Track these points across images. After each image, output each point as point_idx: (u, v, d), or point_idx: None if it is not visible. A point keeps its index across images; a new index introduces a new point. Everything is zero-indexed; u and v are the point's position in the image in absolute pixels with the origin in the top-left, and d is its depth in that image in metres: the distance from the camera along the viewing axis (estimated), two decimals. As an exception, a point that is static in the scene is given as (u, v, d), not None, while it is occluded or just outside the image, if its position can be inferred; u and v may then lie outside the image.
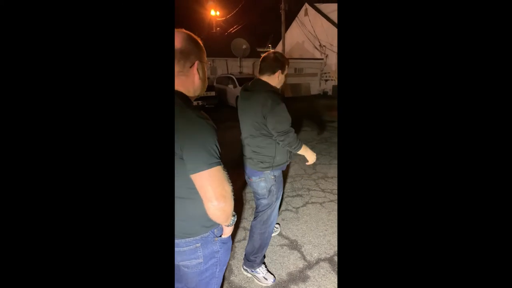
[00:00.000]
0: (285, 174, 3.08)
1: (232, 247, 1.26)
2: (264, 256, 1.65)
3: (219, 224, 0.84)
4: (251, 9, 17.74)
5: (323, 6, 14.16)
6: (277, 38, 14.42)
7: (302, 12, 14.90)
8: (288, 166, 2.55)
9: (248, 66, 11.99)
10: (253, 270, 1.54)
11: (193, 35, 0.77)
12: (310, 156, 1.46)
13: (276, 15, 11.24)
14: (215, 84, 9.33)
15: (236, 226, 2.06)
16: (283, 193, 1.73)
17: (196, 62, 0.76)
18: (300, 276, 1.57)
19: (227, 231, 0.87)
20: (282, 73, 1.39)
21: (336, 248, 1.81)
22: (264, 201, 1.47)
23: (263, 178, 1.42)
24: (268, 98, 1.28)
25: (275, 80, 1.39)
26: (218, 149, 0.71)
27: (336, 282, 1.51)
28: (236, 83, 8.19)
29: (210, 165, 0.68)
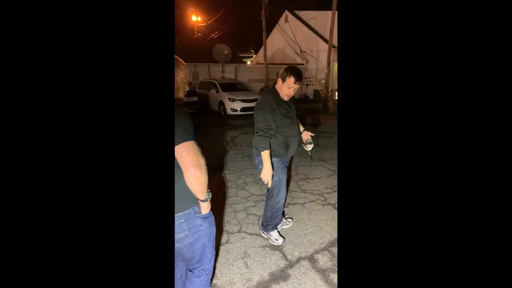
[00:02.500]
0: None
1: (216, 251, 1.30)
2: (277, 224, 1.99)
3: (198, 202, 1.00)
4: (232, 15, 17.89)
5: (302, 13, 14.59)
6: (259, 43, 14.65)
7: (282, 18, 15.25)
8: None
9: (230, 71, 12.05)
10: (267, 232, 1.94)
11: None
12: (265, 168, 1.61)
13: (257, 21, 11.44)
14: (197, 89, 9.26)
15: (219, 229, 2.07)
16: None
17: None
18: (282, 275, 1.61)
19: (205, 207, 1.01)
20: (283, 82, 1.62)
21: (316, 246, 1.87)
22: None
23: (261, 162, 1.67)
24: (258, 101, 1.68)
25: (280, 88, 1.66)
26: (193, 130, 0.91)
27: (316, 279, 1.56)
28: (219, 88, 8.19)
29: (187, 139, 0.87)
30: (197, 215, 1.01)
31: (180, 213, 0.97)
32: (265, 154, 1.58)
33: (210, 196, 1.00)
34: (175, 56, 0.95)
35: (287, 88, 1.60)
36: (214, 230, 1.11)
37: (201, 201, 0.98)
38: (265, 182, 1.65)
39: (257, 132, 1.61)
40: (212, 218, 1.09)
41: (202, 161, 0.90)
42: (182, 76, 0.99)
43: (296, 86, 1.60)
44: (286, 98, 1.66)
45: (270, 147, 1.64)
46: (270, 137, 1.63)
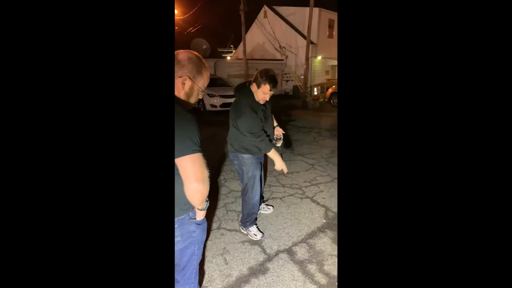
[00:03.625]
0: (247, 173, 3.13)
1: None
2: (256, 218, 2.04)
3: (193, 208, 0.96)
4: (210, 9, 17.50)
5: (281, 9, 14.63)
6: (238, 39, 14.51)
7: (261, 14, 15.20)
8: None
9: (209, 67, 11.61)
10: (246, 228, 1.97)
11: (202, 60, 0.93)
12: (277, 162, 1.74)
13: (236, 16, 11.30)
14: (175, 85, 8.97)
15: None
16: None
17: (185, 77, 0.88)
18: (260, 269, 1.63)
19: (200, 215, 0.98)
20: (258, 88, 1.61)
21: (294, 239, 1.91)
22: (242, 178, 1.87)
23: (236, 158, 1.81)
24: (237, 106, 1.69)
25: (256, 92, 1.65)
26: (199, 140, 0.85)
27: (293, 271, 1.60)
28: (197, 83, 8.01)
29: (194, 151, 0.81)
30: (191, 220, 0.98)
31: (175, 219, 0.93)
32: (272, 154, 1.70)
33: (208, 204, 0.96)
34: (203, 61, 0.91)
35: (262, 94, 1.61)
36: (205, 237, 1.08)
37: (199, 209, 0.95)
38: (285, 172, 1.78)
39: (257, 137, 1.64)
40: (205, 225, 1.06)
41: (206, 174, 0.84)
42: (200, 85, 0.93)
43: (271, 92, 1.60)
44: (261, 102, 1.67)
45: (237, 141, 1.73)
46: (267, 136, 1.70)
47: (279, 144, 1.94)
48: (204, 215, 1.01)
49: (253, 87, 1.64)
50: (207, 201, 0.93)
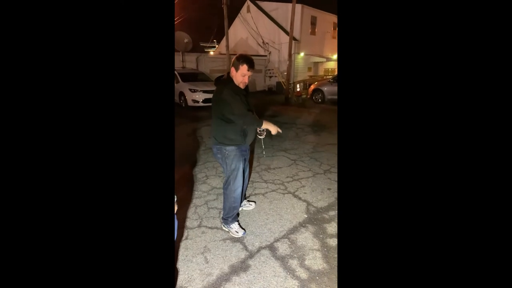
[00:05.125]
0: (229, 169, 3.09)
1: (175, 250, 1.25)
2: (238, 215, 2.04)
3: None
4: (193, 2, 17.01)
5: (264, 4, 14.52)
6: (221, 34, 14.23)
7: (244, 8, 15.00)
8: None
9: (191, 61, 11.53)
10: (228, 225, 1.93)
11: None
12: (271, 128, 1.73)
13: (218, 10, 11.06)
14: (155, 79, 8.66)
15: (178, 226, 1.98)
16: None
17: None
18: (242, 266, 1.61)
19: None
20: (236, 71, 1.65)
21: (276, 235, 1.91)
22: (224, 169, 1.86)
23: (219, 151, 1.80)
24: (217, 93, 1.68)
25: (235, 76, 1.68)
26: None
27: (275, 267, 1.60)
28: (179, 78, 7.79)
29: None
30: None
31: None
32: (265, 123, 1.68)
33: (176, 199, 0.94)
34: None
35: (241, 76, 1.65)
36: (175, 234, 1.07)
37: None
38: (280, 131, 1.75)
39: (245, 115, 1.64)
40: (175, 223, 1.04)
41: None
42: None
43: (250, 73, 1.65)
44: (242, 86, 1.70)
45: (220, 132, 1.74)
46: (253, 113, 1.70)
47: (262, 136, 1.93)
48: (175, 210, 0.99)
49: (232, 72, 1.68)
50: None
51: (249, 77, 1.67)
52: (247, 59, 1.63)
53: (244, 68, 1.62)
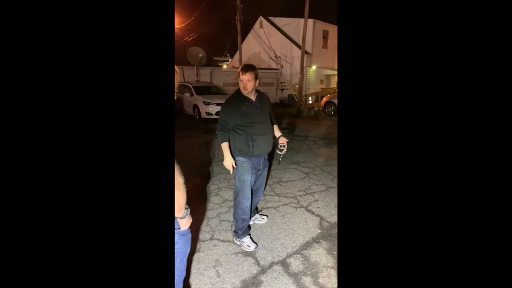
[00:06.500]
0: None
1: (188, 261, 1.25)
2: (249, 228, 2.06)
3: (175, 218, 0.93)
4: (207, 19, 17.74)
5: (276, 20, 14.92)
6: (234, 48, 14.66)
7: (257, 24, 15.46)
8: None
9: (205, 75, 11.89)
10: (239, 239, 1.92)
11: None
12: (225, 158, 1.77)
13: (232, 26, 11.45)
14: (170, 92, 8.95)
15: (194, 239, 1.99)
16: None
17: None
18: (254, 281, 1.58)
19: (183, 224, 0.95)
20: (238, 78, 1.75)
21: (288, 250, 1.87)
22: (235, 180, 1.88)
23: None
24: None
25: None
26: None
27: (288, 284, 1.56)
28: (193, 91, 8.03)
29: None
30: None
31: None
32: (223, 146, 1.77)
33: (189, 211, 0.95)
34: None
35: (240, 82, 1.73)
36: (188, 249, 1.04)
37: (179, 218, 0.93)
38: (230, 171, 1.79)
39: (218, 126, 1.79)
40: (189, 236, 1.03)
41: (180, 181, 0.84)
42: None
43: (244, 77, 1.69)
44: (245, 92, 1.74)
45: (231, 142, 1.80)
46: (227, 131, 1.77)
47: (282, 152, 1.97)
48: (189, 223, 0.98)
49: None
50: (186, 208, 0.93)
51: (246, 81, 1.68)
52: (242, 66, 1.72)
53: (239, 73, 1.70)
